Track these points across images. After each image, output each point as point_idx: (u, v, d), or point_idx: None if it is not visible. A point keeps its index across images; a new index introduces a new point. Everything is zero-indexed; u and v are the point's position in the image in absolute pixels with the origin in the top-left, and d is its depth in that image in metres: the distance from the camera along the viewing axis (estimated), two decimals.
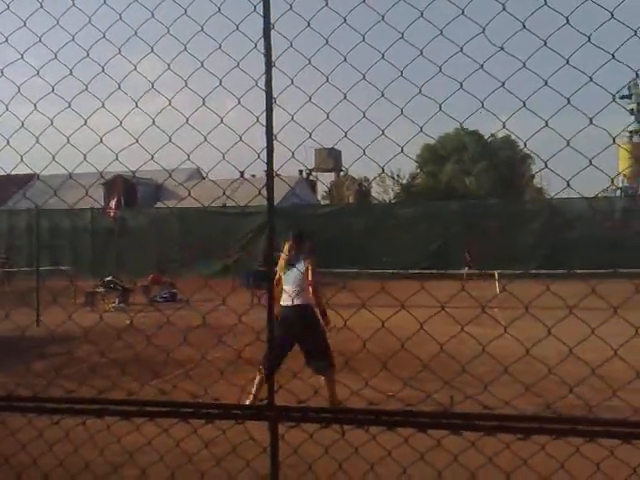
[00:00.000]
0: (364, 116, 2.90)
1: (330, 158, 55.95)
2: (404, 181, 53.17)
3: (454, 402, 2.76)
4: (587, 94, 2.91)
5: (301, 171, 51.02)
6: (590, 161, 2.64)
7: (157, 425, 3.19)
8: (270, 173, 3.02)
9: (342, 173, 58.19)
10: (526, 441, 2.60)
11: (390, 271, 22.37)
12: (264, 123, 2.97)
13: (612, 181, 3.07)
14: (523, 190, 51.62)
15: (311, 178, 57.32)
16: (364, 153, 2.94)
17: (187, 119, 3.12)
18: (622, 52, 2.57)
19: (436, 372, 3.20)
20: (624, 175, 51.07)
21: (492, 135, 50.51)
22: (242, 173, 3.18)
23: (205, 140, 3.08)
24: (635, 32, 2.53)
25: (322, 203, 51.35)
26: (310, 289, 6.70)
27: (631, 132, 58.68)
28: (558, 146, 2.69)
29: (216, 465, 3.53)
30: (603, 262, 23.33)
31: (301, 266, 6.68)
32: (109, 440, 3.88)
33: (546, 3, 2.65)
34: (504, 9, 2.68)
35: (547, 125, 2.71)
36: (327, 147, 49.68)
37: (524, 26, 2.61)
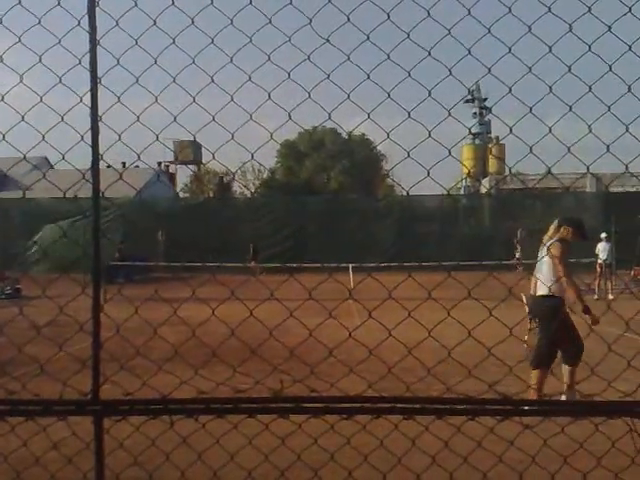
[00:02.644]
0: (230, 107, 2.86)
1: (190, 151, 54.78)
2: (264, 176, 53.37)
3: (284, 387, 2.80)
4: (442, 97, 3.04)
5: (159, 163, 49.64)
6: (428, 170, 2.79)
7: None
8: (96, 158, 2.89)
9: (203, 166, 57.30)
10: (349, 421, 2.71)
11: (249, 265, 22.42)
12: (89, 104, 2.84)
13: (468, 173, 3.25)
14: (378, 187, 53.79)
15: (170, 171, 55.85)
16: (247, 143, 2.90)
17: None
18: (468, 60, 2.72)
19: (267, 359, 3.25)
20: (468, 175, 54.99)
21: (349, 134, 52.02)
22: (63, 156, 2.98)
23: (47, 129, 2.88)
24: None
25: (182, 196, 50.21)
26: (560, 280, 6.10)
27: (474, 135, 63.17)
28: (409, 146, 2.83)
29: (36, 463, 3.34)
30: (452, 255, 25.04)
31: (546, 253, 6.34)
32: None
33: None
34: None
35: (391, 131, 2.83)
36: (187, 139, 48.93)
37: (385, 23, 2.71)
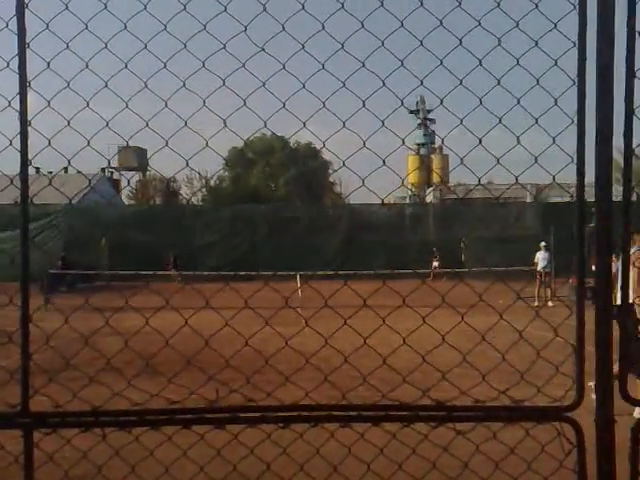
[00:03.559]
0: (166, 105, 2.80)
1: (135, 156, 53.84)
2: (212, 183, 52.95)
3: (219, 397, 2.77)
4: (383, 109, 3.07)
5: (103, 169, 48.54)
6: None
7: None
8: (24, 161, 2.80)
9: (148, 172, 56.42)
10: (286, 430, 2.70)
11: (196, 273, 22.16)
12: (17, 108, 2.75)
13: (402, 182, 3.28)
14: (324, 195, 54.11)
15: (115, 177, 54.82)
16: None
17: None
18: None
19: (203, 369, 3.20)
20: (412, 184, 55.90)
21: (296, 141, 52.20)
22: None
23: None
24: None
25: (127, 203, 49.26)
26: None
27: (418, 144, 64.37)
28: (356, 155, 2.85)
29: None
30: (396, 262, 25.37)
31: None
32: None
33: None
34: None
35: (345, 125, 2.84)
36: (132, 145, 48.06)
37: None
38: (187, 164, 2.82)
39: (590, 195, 2.73)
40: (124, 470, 3.09)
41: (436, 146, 62.33)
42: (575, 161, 2.70)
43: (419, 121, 65.26)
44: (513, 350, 3.30)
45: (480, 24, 2.68)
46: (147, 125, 2.82)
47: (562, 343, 2.90)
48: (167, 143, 2.80)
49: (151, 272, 20.73)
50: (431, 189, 47.71)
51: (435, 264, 28.90)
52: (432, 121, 65.27)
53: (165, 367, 3.90)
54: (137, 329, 3.06)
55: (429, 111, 63.74)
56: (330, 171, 54.08)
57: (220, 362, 3.31)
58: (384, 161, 2.78)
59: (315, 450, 3.01)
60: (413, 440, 2.99)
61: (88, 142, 2.90)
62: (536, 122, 2.74)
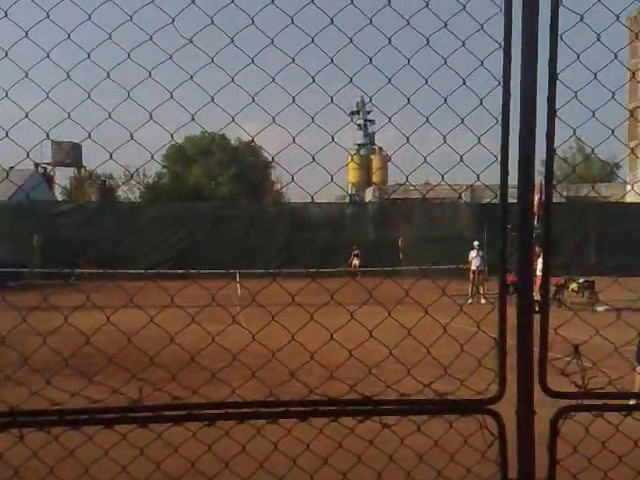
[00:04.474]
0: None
1: (70, 152, 52.18)
2: (150, 180, 51.97)
3: (142, 396, 2.70)
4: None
5: (37, 164, 46.81)
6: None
7: None
8: None
9: (83, 169, 54.85)
10: (211, 427, 2.66)
11: (132, 271, 21.71)
12: None
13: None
14: (266, 194, 53.96)
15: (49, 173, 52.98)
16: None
17: None
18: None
19: (126, 366, 3.13)
20: (352, 184, 56.45)
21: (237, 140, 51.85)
22: None
23: None
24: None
25: (60, 199, 47.65)
26: None
27: (359, 145, 65.00)
28: (298, 155, 2.84)
29: None
30: (333, 261, 25.59)
31: None
32: None
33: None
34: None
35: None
36: (66, 141, 46.56)
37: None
38: (111, 156, 2.74)
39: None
40: (42, 471, 2.98)
41: (376, 147, 63.07)
42: (499, 160, 2.77)
43: (359, 122, 65.85)
44: (446, 345, 3.36)
45: (409, 23, 2.72)
46: (69, 116, 2.72)
47: (489, 338, 2.98)
48: (90, 135, 2.71)
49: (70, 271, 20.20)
50: (370, 189, 48.24)
51: (355, 262, 29.28)
52: (372, 122, 66.02)
53: (90, 368, 3.79)
54: (57, 327, 2.96)
55: (369, 112, 64.39)
56: (272, 170, 54.06)
57: (145, 361, 3.24)
58: (313, 157, 2.78)
59: (241, 447, 2.99)
60: (340, 435, 3.00)
61: (7, 133, 2.77)
62: (462, 122, 2.79)
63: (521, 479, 2.77)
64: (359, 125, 66.14)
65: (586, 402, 2.86)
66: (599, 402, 2.88)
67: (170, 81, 2.75)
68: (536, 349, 2.75)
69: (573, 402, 2.85)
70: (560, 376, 2.96)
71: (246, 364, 3.24)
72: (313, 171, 2.96)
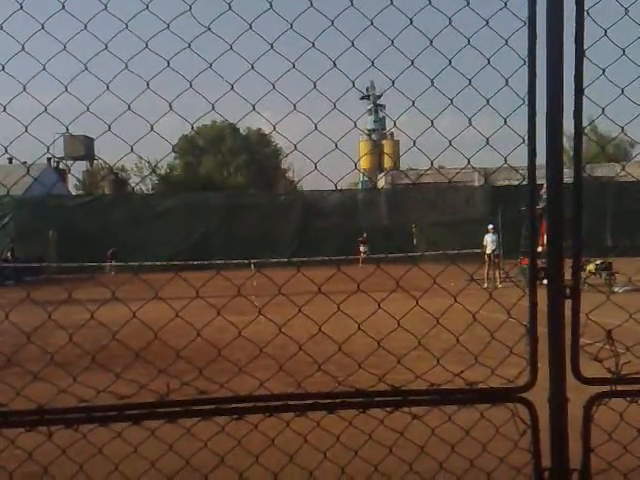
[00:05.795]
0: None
1: (82, 146, 52.36)
2: (162, 171, 52.06)
3: (170, 390, 2.67)
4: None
5: (49, 159, 47.03)
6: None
7: None
8: None
9: (95, 162, 55.05)
10: (240, 421, 2.63)
11: (148, 263, 21.87)
12: None
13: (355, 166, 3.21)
14: (277, 181, 53.91)
15: (61, 167, 53.21)
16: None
17: None
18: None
19: (148, 359, 3.10)
20: (364, 169, 56.19)
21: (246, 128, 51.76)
22: None
23: None
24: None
25: (74, 193, 47.91)
26: None
27: (370, 130, 64.57)
28: (309, 143, 2.78)
29: None
30: (348, 248, 25.48)
31: None
32: None
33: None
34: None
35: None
36: (78, 134, 46.65)
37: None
38: (132, 149, 2.69)
39: (539, 177, 2.73)
40: (72, 469, 2.97)
41: (387, 132, 62.66)
42: (526, 142, 2.69)
43: (370, 107, 65.44)
44: (468, 332, 3.30)
45: (431, 3, 2.64)
46: (88, 109, 2.67)
47: (516, 324, 2.91)
48: (110, 128, 2.66)
49: (95, 264, 20.30)
50: (382, 174, 48.01)
51: (363, 249, 29.11)
52: (382, 107, 65.55)
53: (114, 361, 3.77)
54: (84, 323, 2.94)
55: (379, 96, 63.94)
56: (282, 157, 53.93)
57: (171, 354, 3.21)
58: (336, 144, 2.72)
59: (270, 440, 2.95)
60: (369, 426, 2.96)
61: (26, 128, 2.74)
62: (487, 103, 2.72)
63: (555, 468, 2.72)
64: (369, 110, 65.73)
65: (620, 388, 2.79)
66: (633, 388, 2.81)
67: (182, 72, 2.68)
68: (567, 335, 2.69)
69: (606, 388, 2.78)
70: (592, 362, 2.89)
71: (267, 354, 3.20)
72: (324, 158, 2.90)
